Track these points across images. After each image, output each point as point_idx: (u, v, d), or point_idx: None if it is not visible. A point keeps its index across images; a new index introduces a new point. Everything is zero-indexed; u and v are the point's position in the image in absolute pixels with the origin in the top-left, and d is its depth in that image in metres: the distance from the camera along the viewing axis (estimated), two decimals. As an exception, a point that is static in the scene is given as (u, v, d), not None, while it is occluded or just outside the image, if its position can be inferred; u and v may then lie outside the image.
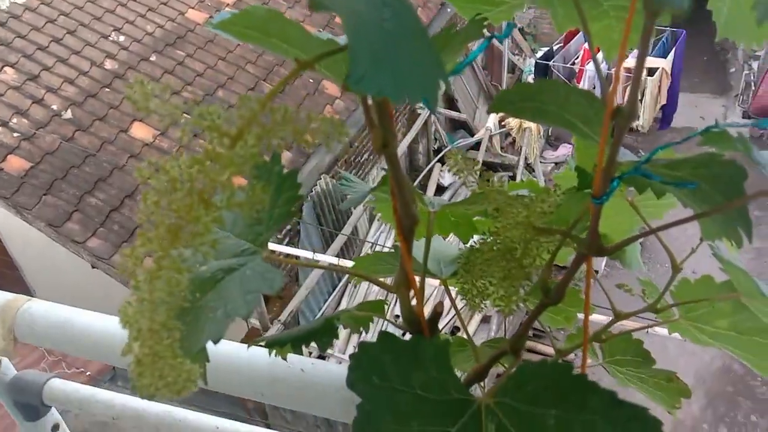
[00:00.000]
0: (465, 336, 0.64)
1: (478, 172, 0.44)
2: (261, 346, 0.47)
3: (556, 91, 0.41)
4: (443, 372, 0.40)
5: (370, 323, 0.52)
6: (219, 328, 0.37)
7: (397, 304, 0.46)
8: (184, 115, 0.32)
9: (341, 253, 5.19)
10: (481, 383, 0.51)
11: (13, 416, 0.84)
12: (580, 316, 0.70)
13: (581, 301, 0.63)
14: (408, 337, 0.45)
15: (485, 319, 4.83)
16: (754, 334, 0.59)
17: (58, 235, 4.04)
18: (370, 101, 0.36)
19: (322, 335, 0.46)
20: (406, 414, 0.40)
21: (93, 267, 4.12)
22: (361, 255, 4.68)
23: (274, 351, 0.50)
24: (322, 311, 5.08)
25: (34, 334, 0.68)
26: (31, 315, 0.67)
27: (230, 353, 0.59)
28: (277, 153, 0.45)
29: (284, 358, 0.52)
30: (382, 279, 0.53)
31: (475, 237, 0.59)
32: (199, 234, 0.31)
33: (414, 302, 0.44)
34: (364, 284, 5.13)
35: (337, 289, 5.23)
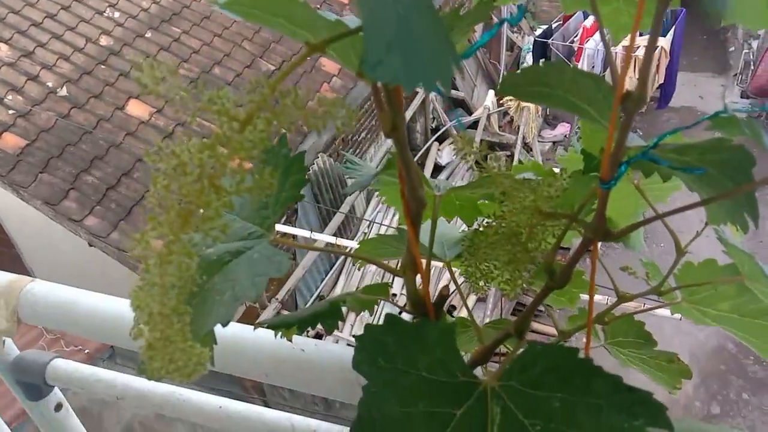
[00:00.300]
0: (467, 317, 0.65)
1: (484, 156, 0.43)
2: (267, 328, 0.47)
3: (563, 74, 0.41)
4: (449, 354, 0.40)
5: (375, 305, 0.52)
6: (228, 311, 0.37)
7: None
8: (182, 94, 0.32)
9: (338, 232, 5.20)
10: (485, 365, 0.51)
11: (15, 395, 0.85)
12: (583, 296, 0.70)
13: (584, 282, 0.63)
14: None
15: (481, 299, 4.86)
16: (757, 316, 0.59)
17: (55, 214, 4.03)
18: (379, 84, 0.36)
19: (328, 317, 0.46)
20: (411, 396, 0.40)
21: (90, 245, 4.12)
22: (358, 234, 4.67)
23: (280, 333, 0.50)
24: (319, 290, 5.10)
25: (37, 314, 0.68)
26: (34, 295, 0.67)
27: (234, 334, 0.59)
28: (284, 136, 0.45)
29: (289, 340, 0.52)
30: (385, 262, 0.53)
31: (480, 220, 0.59)
32: (210, 218, 0.31)
33: (420, 285, 0.44)
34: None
35: (334, 267, 5.24)
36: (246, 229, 0.44)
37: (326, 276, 5.22)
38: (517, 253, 0.47)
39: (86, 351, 3.51)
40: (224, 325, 0.37)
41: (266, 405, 4.40)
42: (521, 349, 0.46)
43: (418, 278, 0.45)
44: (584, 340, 0.60)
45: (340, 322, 0.48)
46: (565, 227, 0.45)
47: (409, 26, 0.26)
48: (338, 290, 5.02)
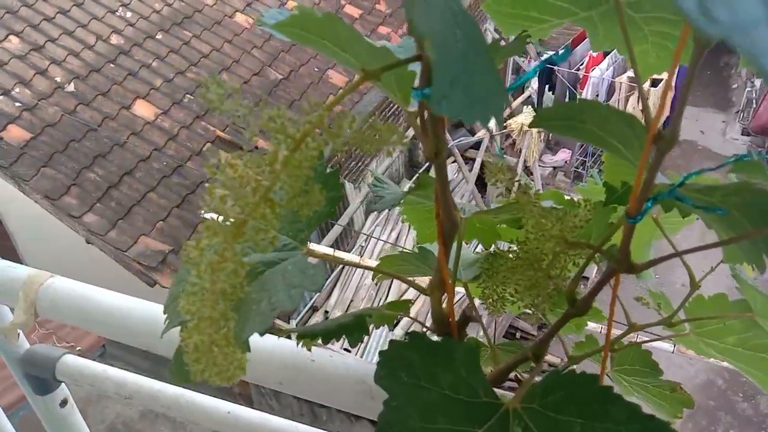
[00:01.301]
0: (484, 338, 0.66)
1: (516, 183, 0.45)
2: (289, 338, 0.48)
3: (596, 111, 0.42)
4: (473, 374, 0.41)
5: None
6: (264, 320, 0.38)
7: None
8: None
9: (336, 244, 5.21)
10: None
11: (22, 388, 0.85)
12: (590, 324, 0.72)
13: (595, 310, 0.65)
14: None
15: (476, 318, 4.85)
16: (761, 350, 0.61)
17: (55, 208, 4.03)
18: (425, 112, 0.38)
19: (353, 330, 0.48)
20: (433, 412, 0.41)
21: (87, 242, 4.12)
22: (356, 247, 4.66)
23: (301, 342, 0.51)
24: (313, 301, 5.10)
25: (55, 309, 0.69)
26: (54, 291, 0.68)
27: (253, 342, 0.60)
28: (321, 152, 0.46)
29: (309, 349, 0.53)
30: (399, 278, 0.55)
31: (499, 243, 0.61)
32: (263, 230, 0.32)
33: (445, 305, 0.46)
34: (356, 275, 5.15)
35: (329, 279, 5.25)
36: (281, 241, 0.46)
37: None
38: (539, 279, 0.49)
39: (78, 348, 3.50)
40: (261, 333, 0.38)
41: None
42: (539, 372, 0.47)
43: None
44: (590, 365, 0.62)
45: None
46: (588, 257, 0.46)
47: (469, 63, 0.28)
48: (332, 301, 5.02)
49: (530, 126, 0.41)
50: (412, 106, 0.41)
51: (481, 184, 6.44)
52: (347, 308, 4.90)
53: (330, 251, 4.53)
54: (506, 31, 0.51)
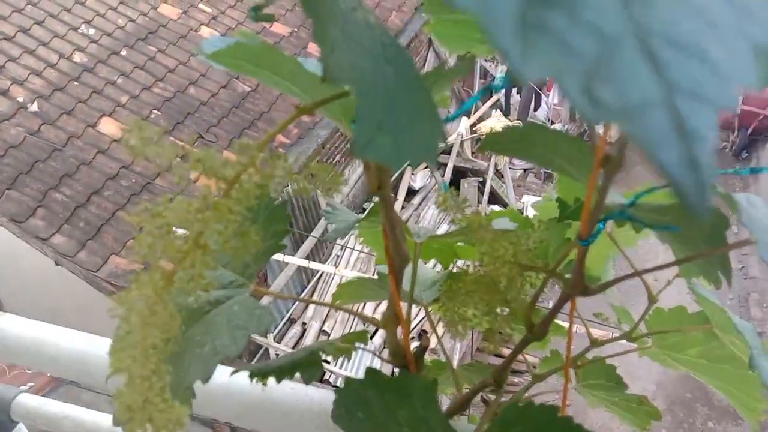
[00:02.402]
0: (441, 357, 0.65)
1: (466, 209, 0.44)
2: (242, 372, 0.46)
3: (544, 135, 0.41)
4: (429, 410, 0.40)
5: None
6: (207, 367, 0.37)
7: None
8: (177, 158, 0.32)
9: (311, 255, 5.17)
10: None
11: (-23, 430, 0.82)
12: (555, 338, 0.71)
13: (558, 326, 0.64)
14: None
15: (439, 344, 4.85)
16: (723, 362, 0.61)
17: (22, 231, 3.95)
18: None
19: (307, 367, 0.46)
20: (390, 450, 0.40)
21: (57, 264, 4.03)
22: (331, 257, 4.64)
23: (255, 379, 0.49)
24: (290, 313, 5.05)
25: (6, 350, 0.66)
26: (3, 331, 0.66)
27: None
28: (265, 187, 0.45)
29: (265, 385, 0.51)
30: (361, 308, 0.53)
31: (459, 262, 0.60)
32: (194, 278, 0.31)
33: (401, 336, 0.44)
34: (332, 287, 5.12)
35: (305, 290, 5.21)
36: (226, 278, 0.44)
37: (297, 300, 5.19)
38: (497, 302, 0.48)
39: (30, 384, 3.40)
40: (204, 381, 0.36)
41: None
42: (499, 402, 0.46)
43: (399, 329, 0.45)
44: (555, 380, 0.61)
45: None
46: (543, 280, 0.45)
47: (398, 104, 0.27)
48: (309, 314, 4.98)
49: (479, 150, 0.40)
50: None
51: (455, 187, 6.45)
52: (324, 319, 4.87)
53: (305, 263, 4.51)
54: (451, 48, 0.51)
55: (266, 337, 4.66)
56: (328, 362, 4.41)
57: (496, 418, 0.38)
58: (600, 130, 0.38)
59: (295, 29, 5.88)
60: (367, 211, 0.49)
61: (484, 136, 0.43)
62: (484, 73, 8.34)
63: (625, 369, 0.66)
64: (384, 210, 0.38)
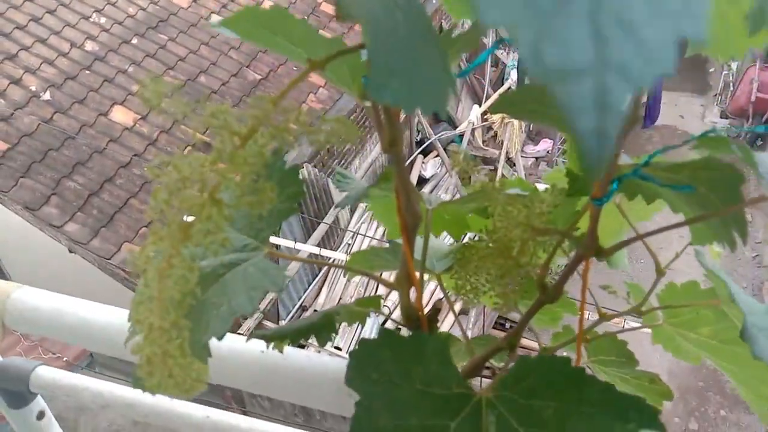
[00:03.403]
0: (457, 330, 0.65)
1: (479, 171, 0.44)
2: (261, 339, 0.47)
3: (558, 95, 0.41)
4: (444, 366, 0.41)
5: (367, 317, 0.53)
6: (223, 325, 0.37)
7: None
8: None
9: (322, 242, 5.18)
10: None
11: (-3, 403, 0.84)
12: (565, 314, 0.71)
13: (568, 301, 0.64)
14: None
15: (463, 311, 4.87)
16: (734, 343, 0.60)
17: (36, 219, 3.99)
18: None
19: (321, 330, 0.47)
20: (405, 409, 0.41)
21: (70, 251, 4.07)
22: (342, 244, 4.65)
23: (272, 344, 0.50)
24: (302, 300, 5.08)
25: (24, 321, 0.67)
26: (22, 302, 0.67)
27: (225, 344, 0.59)
28: (279, 149, 0.45)
29: (281, 351, 0.52)
30: (378, 274, 0.54)
31: (469, 234, 0.60)
32: (211, 232, 0.31)
33: (414, 298, 0.45)
34: (343, 275, 5.14)
35: (317, 278, 5.23)
36: (241, 242, 0.45)
37: (309, 286, 5.21)
38: (509, 267, 0.48)
39: (65, 359, 3.46)
40: (219, 338, 0.37)
41: (245, 414, 4.36)
42: (512, 362, 0.46)
43: (412, 291, 0.46)
44: (566, 356, 0.61)
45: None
46: (557, 243, 0.45)
47: (410, 51, 0.27)
48: (321, 300, 5.01)
49: (492, 111, 0.40)
50: (369, 99, 0.40)
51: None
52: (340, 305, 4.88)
53: (316, 250, 4.52)
54: (457, 16, 0.50)
55: (278, 323, 4.68)
56: (340, 349, 4.43)
57: (510, 369, 0.39)
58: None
59: (306, 17, 5.86)
60: (379, 177, 0.49)
61: (498, 100, 0.43)
62: (496, 61, 8.28)
63: (638, 356, 0.66)
64: (396, 168, 0.38)
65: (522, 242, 0.46)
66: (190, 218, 0.31)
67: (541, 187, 0.54)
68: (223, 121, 0.31)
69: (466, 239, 0.61)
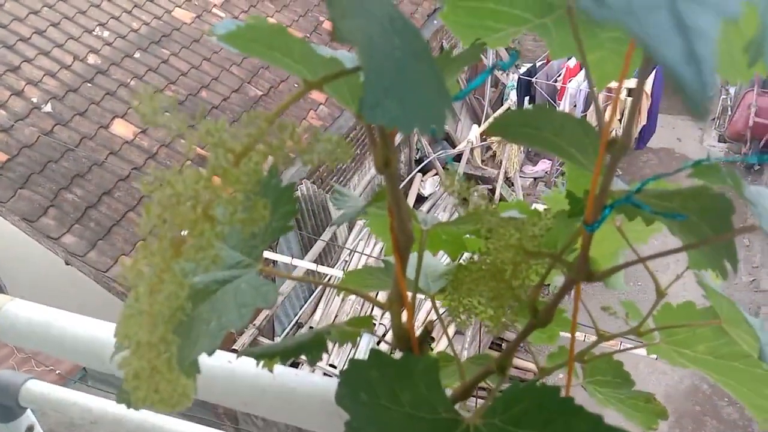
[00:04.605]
0: (447, 350, 0.65)
1: (471, 192, 0.44)
2: (250, 357, 0.47)
3: (551, 118, 0.42)
4: (433, 391, 0.40)
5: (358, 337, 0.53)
6: (213, 341, 0.37)
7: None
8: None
9: (319, 259, 5.18)
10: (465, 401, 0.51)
11: (-15, 416, 0.83)
12: (562, 333, 0.71)
13: (565, 320, 0.64)
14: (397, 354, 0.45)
15: (459, 332, 4.85)
16: (733, 359, 0.60)
17: (33, 230, 3.98)
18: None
19: (312, 348, 0.46)
20: (393, 431, 0.40)
21: (67, 264, 4.06)
22: (339, 261, 4.65)
23: (262, 362, 0.50)
24: (297, 317, 5.06)
25: (16, 334, 0.67)
26: (14, 315, 0.67)
27: (213, 361, 0.58)
28: (274, 167, 0.45)
29: (270, 370, 0.52)
30: (371, 293, 0.54)
31: (465, 254, 0.60)
32: (203, 248, 0.31)
33: (405, 319, 0.45)
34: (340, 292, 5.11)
35: (313, 295, 5.21)
36: (233, 258, 0.45)
37: (305, 303, 5.19)
38: (501, 290, 0.48)
39: (58, 372, 3.44)
40: (209, 354, 0.36)
41: (238, 433, 4.33)
42: (503, 386, 0.46)
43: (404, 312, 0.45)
44: (563, 377, 0.60)
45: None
46: (549, 266, 0.45)
47: (405, 71, 0.27)
48: (317, 317, 4.99)
49: (485, 134, 0.41)
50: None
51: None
52: (332, 323, 4.86)
53: (313, 266, 4.51)
54: (465, 40, 0.51)
55: (273, 340, 4.66)
56: (335, 366, 4.41)
57: (499, 395, 0.38)
58: (606, 115, 0.39)
59: (308, 35, 5.91)
60: (374, 195, 0.50)
61: (492, 122, 0.43)
62: (495, 82, 8.34)
63: (634, 380, 0.66)
64: (390, 188, 0.38)
65: (514, 265, 0.46)
66: (183, 233, 0.31)
67: (540, 208, 0.54)
68: (218, 139, 0.31)
69: (461, 260, 0.61)
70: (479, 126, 7.25)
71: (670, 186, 0.52)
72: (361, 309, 4.89)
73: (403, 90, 0.26)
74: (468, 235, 0.62)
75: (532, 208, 0.60)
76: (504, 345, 5.33)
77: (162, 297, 0.31)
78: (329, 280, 5.23)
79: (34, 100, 4.51)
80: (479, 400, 0.65)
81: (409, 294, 0.46)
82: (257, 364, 0.50)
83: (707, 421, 5.32)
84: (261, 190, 0.44)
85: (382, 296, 0.55)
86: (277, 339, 4.75)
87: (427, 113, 0.27)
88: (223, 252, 0.45)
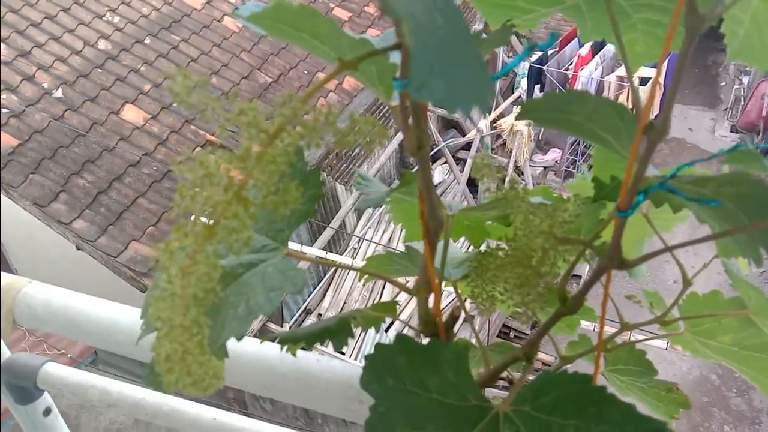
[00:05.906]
0: (474, 339, 0.65)
1: (502, 178, 0.44)
2: (275, 342, 0.47)
3: (585, 102, 0.41)
4: (461, 377, 0.40)
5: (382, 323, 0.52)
6: (242, 325, 0.37)
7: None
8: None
9: (328, 247, 5.19)
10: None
11: (3, 398, 0.83)
12: (583, 323, 0.70)
13: (587, 309, 0.63)
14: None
15: (465, 319, 4.85)
16: (758, 350, 0.59)
17: (44, 215, 4.00)
18: (407, 103, 0.36)
19: (337, 333, 0.46)
20: (420, 417, 0.40)
21: (77, 248, 4.08)
22: (348, 249, 4.65)
23: (285, 347, 0.49)
24: (306, 303, 5.07)
25: (33, 316, 0.67)
26: (32, 298, 0.67)
27: (237, 346, 0.58)
28: (300, 149, 0.45)
29: (294, 354, 0.51)
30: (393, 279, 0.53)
31: (488, 241, 0.59)
32: (236, 230, 0.30)
33: (432, 305, 0.44)
34: (350, 276, 5.13)
35: (322, 281, 5.22)
36: (259, 242, 0.44)
37: (314, 289, 5.20)
38: (528, 277, 0.47)
39: (69, 355, 3.47)
40: (239, 338, 0.36)
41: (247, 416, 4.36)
42: (530, 373, 0.46)
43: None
44: (583, 365, 0.60)
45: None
46: (579, 253, 0.45)
47: (450, 52, 0.26)
48: (326, 304, 5.00)
49: (518, 117, 0.40)
50: (395, 100, 0.39)
51: (472, 184, 6.43)
52: (341, 310, 4.88)
53: (322, 254, 4.52)
54: (493, 22, 0.50)
55: (282, 326, 4.68)
56: (343, 353, 4.42)
57: (528, 385, 0.38)
58: (644, 96, 0.38)
59: (357, 15, 5.88)
60: (400, 181, 0.49)
61: (524, 106, 0.42)
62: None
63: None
64: (422, 172, 0.37)
65: (543, 251, 0.45)
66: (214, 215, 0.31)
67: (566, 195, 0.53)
68: (251, 118, 0.31)
69: (483, 246, 0.60)
70: (489, 114, 7.21)
71: (698, 172, 0.51)
72: (370, 295, 4.90)
73: (447, 69, 0.25)
74: (490, 222, 0.61)
75: (557, 194, 0.59)
76: (512, 333, 5.33)
77: (195, 279, 0.30)
78: (346, 264, 5.24)
79: (45, 85, 4.51)
80: (496, 389, 0.65)
81: (435, 280, 0.46)
82: (281, 349, 0.50)
83: (715, 413, 5.31)
84: (290, 172, 0.44)
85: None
86: (286, 325, 4.78)
87: (471, 92, 0.26)
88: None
